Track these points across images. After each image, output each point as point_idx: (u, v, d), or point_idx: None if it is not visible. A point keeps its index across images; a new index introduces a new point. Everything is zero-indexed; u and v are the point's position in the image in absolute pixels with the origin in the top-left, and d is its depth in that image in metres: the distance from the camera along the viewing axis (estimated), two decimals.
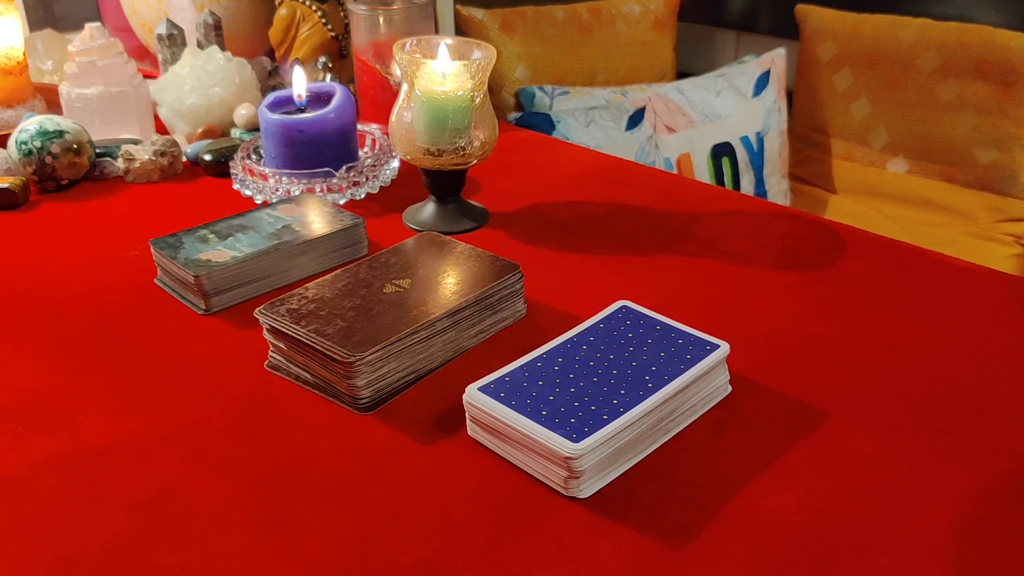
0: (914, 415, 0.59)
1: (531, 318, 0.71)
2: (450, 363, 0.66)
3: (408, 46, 0.81)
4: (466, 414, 0.58)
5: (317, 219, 0.81)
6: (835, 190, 1.89)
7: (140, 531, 0.51)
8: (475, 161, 0.83)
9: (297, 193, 0.89)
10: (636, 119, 1.69)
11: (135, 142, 1.02)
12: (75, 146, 0.95)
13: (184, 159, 1.04)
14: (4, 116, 1.10)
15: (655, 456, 0.56)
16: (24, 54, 1.13)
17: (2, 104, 1.11)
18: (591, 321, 0.64)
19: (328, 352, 0.60)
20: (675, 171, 1.71)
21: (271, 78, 1.26)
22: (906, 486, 0.53)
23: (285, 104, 0.94)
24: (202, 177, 1.01)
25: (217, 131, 1.07)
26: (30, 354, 0.68)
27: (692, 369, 0.58)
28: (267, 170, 0.90)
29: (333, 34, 1.19)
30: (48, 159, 0.94)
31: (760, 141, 1.81)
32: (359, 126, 0.98)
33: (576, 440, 0.51)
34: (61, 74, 1.26)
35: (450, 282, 0.68)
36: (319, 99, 0.94)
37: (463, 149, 0.81)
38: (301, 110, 0.94)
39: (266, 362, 0.66)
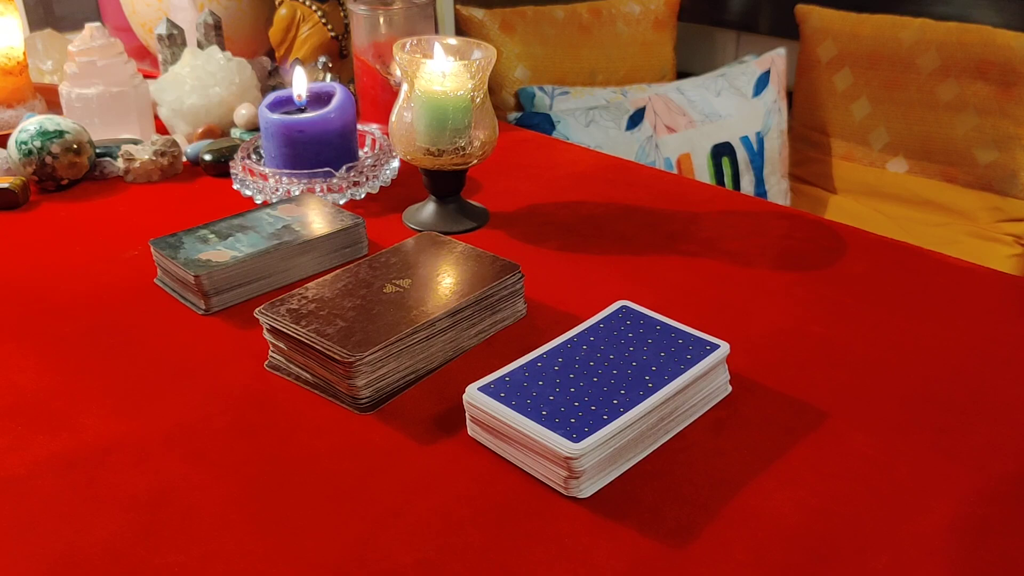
0: (914, 415, 0.59)
1: (531, 318, 0.71)
2: (450, 363, 0.66)
3: (408, 46, 0.81)
4: (466, 414, 0.58)
5: (317, 219, 0.81)
6: (835, 190, 1.89)
7: (140, 531, 0.51)
8: (475, 161, 0.83)
9: (297, 193, 0.89)
10: (636, 119, 1.69)
11: (135, 142, 1.02)
12: (75, 146, 0.95)
13: (184, 159, 1.04)
14: (4, 116, 1.10)
15: (655, 456, 0.56)
16: (24, 54, 1.13)
17: (2, 104, 1.11)
18: (591, 321, 0.64)
19: (328, 352, 0.60)
20: (675, 171, 1.71)
21: (271, 78, 1.26)
22: (906, 486, 0.53)
23: (285, 104, 0.94)
24: (202, 177, 1.01)
25: (217, 131, 1.07)
26: (30, 354, 0.68)
27: (692, 369, 0.58)
28: (267, 170, 0.90)
29: (333, 34, 1.19)
30: (48, 159, 0.94)
31: (760, 141, 1.81)
32: (359, 126, 0.98)
33: (576, 440, 0.51)
34: (61, 74, 1.26)
35: (450, 282, 0.68)
36: (319, 99, 0.94)
37: (463, 149, 0.81)
38: (301, 110, 0.94)
39: (266, 362, 0.66)
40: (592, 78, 1.91)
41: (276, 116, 0.90)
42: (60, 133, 0.94)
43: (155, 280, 0.78)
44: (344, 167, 0.91)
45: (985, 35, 1.63)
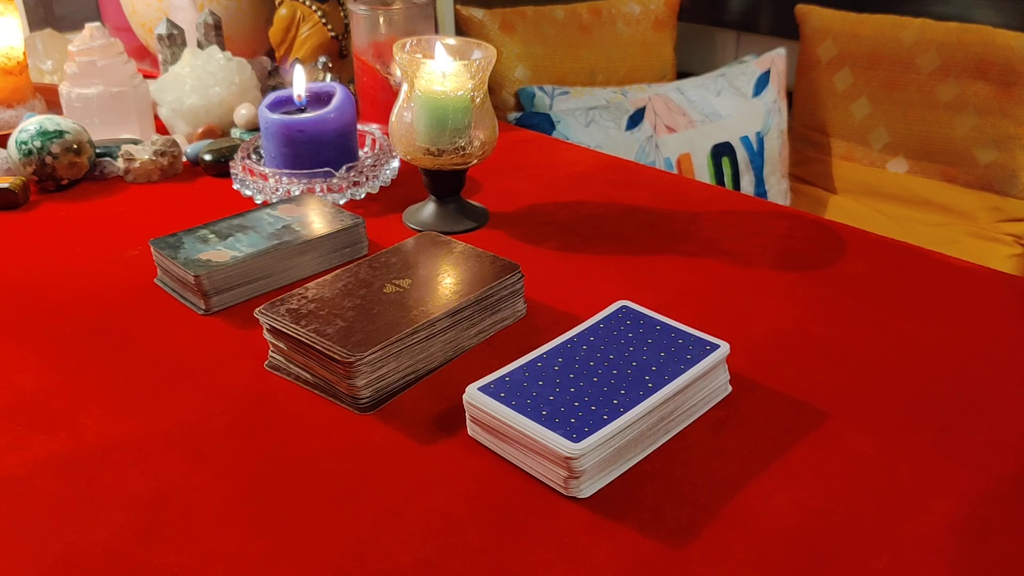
0: (914, 415, 0.59)
1: (531, 318, 0.71)
2: (450, 363, 0.66)
3: (408, 46, 0.81)
4: (466, 414, 0.58)
5: (317, 219, 0.81)
6: (835, 190, 1.89)
7: (140, 531, 0.51)
8: (475, 161, 0.83)
9: (297, 193, 0.89)
10: (636, 119, 1.69)
11: (135, 142, 1.02)
12: (75, 146, 0.95)
13: (184, 159, 1.04)
14: (4, 116, 1.10)
15: (655, 456, 0.56)
16: (24, 54, 1.13)
17: (2, 104, 1.11)
18: (591, 321, 0.64)
19: (328, 352, 0.60)
20: (675, 171, 1.71)
21: (271, 78, 1.26)
22: (906, 486, 0.53)
23: (285, 104, 0.94)
24: (202, 177, 1.01)
25: (217, 131, 1.08)
26: (30, 354, 0.68)
27: (692, 369, 0.58)
28: (267, 170, 0.90)
29: (333, 34, 1.19)
30: (48, 159, 0.94)
31: (760, 141, 1.81)
32: (359, 126, 0.98)
33: (576, 440, 0.51)
34: (61, 74, 1.26)
35: (450, 282, 0.68)
36: (319, 99, 0.94)
37: (463, 149, 0.81)
38: (301, 110, 0.94)
39: (266, 362, 0.66)
40: (592, 78, 1.91)
41: (276, 116, 0.90)
42: (60, 133, 0.94)
43: (155, 280, 0.78)
44: (344, 167, 0.91)
45: (985, 35, 1.63)
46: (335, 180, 0.91)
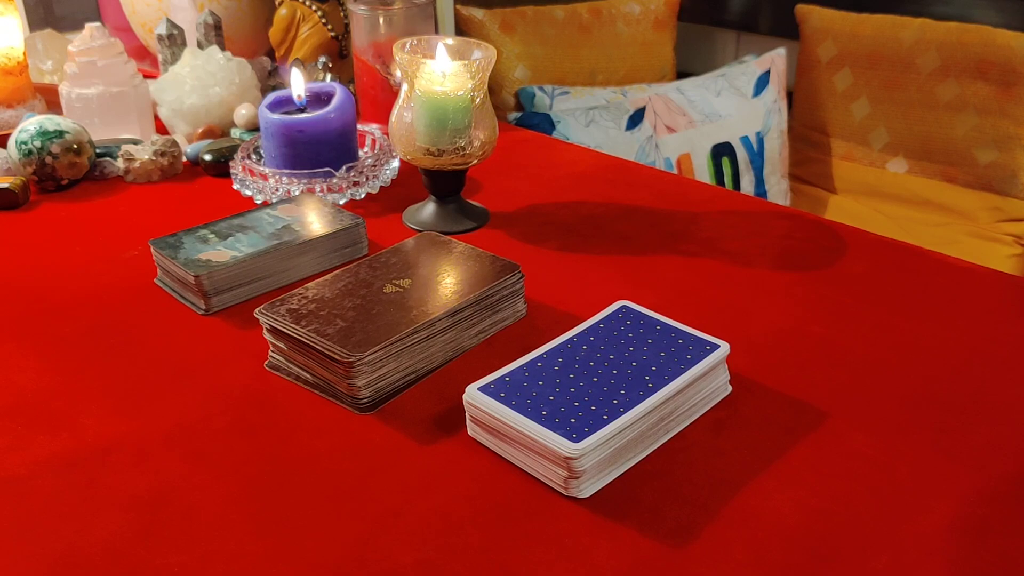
0: (914, 415, 0.59)
1: (531, 318, 0.71)
2: (450, 363, 0.66)
3: (408, 46, 0.81)
4: (466, 414, 0.58)
5: (317, 219, 0.81)
6: (835, 190, 1.89)
7: (140, 531, 0.51)
8: (475, 161, 0.83)
9: (297, 193, 0.89)
10: (636, 119, 1.69)
11: (135, 142, 1.02)
12: (75, 146, 0.95)
13: (184, 159, 1.04)
14: (4, 116, 1.10)
15: (655, 456, 0.56)
16: (24, 54, 1.13)
17: (2, 104, 1.11)
18: (591, 321, 0.64)
19: (328, 352, 0.60)
20: (675, 171, 1.71)
21: (271, 78, 1.26)
22: (906, 486, 0.53)
23: (285, 104, 0.94)
24: (202, 177, 1.01)
25: (217, 131, 1.08)
26: (30, 354, 0.68)
27: (692, 369, 0.58)
28: (267, 170, 0.90)
29: (333, 34, 1.19)
30: (48, 159, 0.94)
31: (760, 141, 1.81)
32: (359, 126, 0.98)
33: (576, 440, 0.51)
34: (61, 74, 1.26)
35: (450, 282, 0.68)
36: (319, 99, 0.94)
37: (463, 149, 0.81)
38: (301, 110, 0.94)
39: (266, 362, 0.66)
40: (592, 78, 1.91)
41: (276, 116, 0.90)
42: (60, 133, 0.94)
43: (155, 280, 0.79)
44: (344, 167, 0.91)
45: (985, 35, 1.63)
46: (335, 180, 0.91)
